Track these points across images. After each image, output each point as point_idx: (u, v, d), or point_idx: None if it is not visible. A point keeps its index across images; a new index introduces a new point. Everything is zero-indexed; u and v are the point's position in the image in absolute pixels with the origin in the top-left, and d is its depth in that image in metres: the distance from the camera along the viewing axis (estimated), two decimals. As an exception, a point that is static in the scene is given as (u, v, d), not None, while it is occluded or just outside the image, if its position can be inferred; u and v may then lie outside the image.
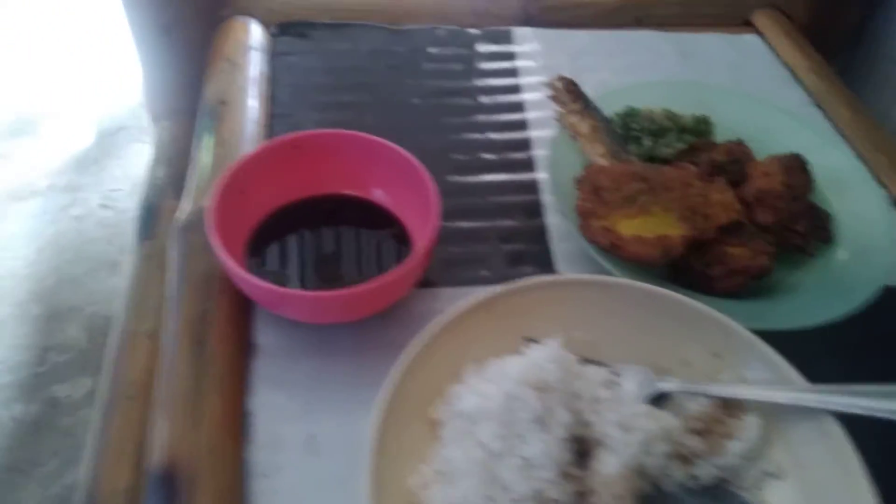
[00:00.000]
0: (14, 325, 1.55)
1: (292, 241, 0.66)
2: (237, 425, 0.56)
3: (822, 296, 0.63)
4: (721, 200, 0.66)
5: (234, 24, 0.87)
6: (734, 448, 0.53)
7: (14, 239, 1.69)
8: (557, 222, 0.72)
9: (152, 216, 0.85)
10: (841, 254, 0.68)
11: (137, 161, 1.84)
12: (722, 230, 0.65)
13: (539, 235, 0.71)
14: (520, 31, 0.91)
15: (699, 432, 0.54)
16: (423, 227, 0.63)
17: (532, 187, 0.75)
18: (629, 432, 0.51)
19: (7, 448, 1.38)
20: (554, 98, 0.76)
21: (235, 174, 0.63)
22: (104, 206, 1.75)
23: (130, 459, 0.64)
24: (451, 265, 0.69)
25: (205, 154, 0.74)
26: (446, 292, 0.66)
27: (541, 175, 0.76)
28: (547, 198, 0.74)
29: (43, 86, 2.02)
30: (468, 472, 0.49)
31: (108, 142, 1.89)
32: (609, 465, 0.50)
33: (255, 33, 0.87)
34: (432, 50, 0.88)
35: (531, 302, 0.59)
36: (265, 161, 0.66)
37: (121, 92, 1.99)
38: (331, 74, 0.85)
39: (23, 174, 1.81)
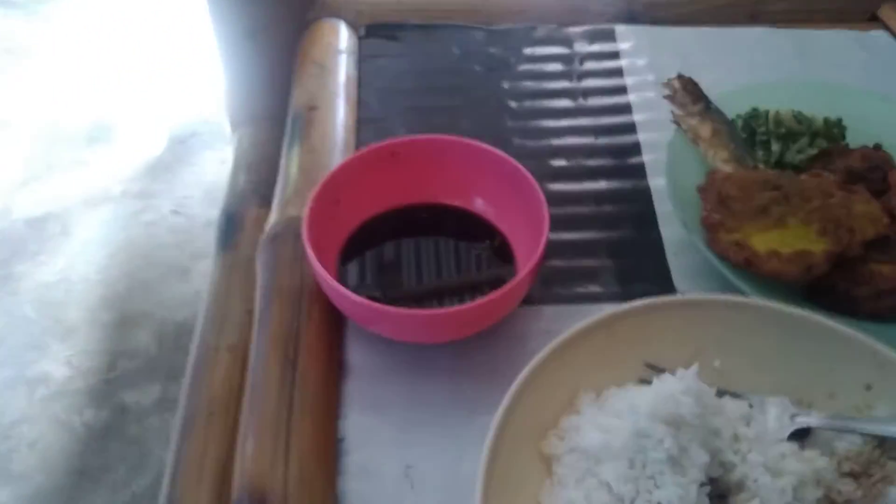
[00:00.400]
0: (86, 330, 1.55)
1: (388, 253, 0.61)
2: (329, 452, 0.51)
3: None
4: (866, 212, 0.58)
5: (323, 27, 0.84)
6: (895, 496, 0.46)
7: (87, 245, 1.70)
8: (674, 234, 0.65)
9: (233, 225, 0.82)
10: None
11: (209, 168, 1.84)
12: (868, 245, 0.57)
13: (653, 249, 0.65)
14: (623, 29, 0.84)
15: (854, 475, 0.47)
16: (527, 239, 0.58)
17: (643, 196, 0.69)
18: (778, 477, 0.45)
19: (78, 453, 1.38)
20: (671, 99, 0.69)
21: (330, 183, 0.59)
22: (175, 213, 1.75)
23: (210, 479, 0.60)
24: (554, 281, 0.63)
25: (294, 161, 0.70)
26: (550, 311, 0.61)
27: (653, 182, 0.70)
28: (661, 208, 0.67)
29: (120, 92, 2.04)
30: (594, 519, 0.43)
31: (181, 148, 1.89)
32: (759, 516, 0.43)
33: (344, 35, 0.83)
34: (529, 50, 0.83)
35: (656, 324, 0.53)
36: (360, 169, 0.61)
37: (194, 98, 2.00)
38: (422, 77, 0.80)
39: (98, 181, 1.83)
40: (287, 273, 0.60)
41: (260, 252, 0.64)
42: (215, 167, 1.83)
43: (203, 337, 0.72)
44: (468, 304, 0.51)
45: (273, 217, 0.66)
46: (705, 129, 0.66)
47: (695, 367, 0.48)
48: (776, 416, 0.49)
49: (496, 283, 0.54)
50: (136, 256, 1.67)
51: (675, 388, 0.46)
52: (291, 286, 0.59)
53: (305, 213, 0.56)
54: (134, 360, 1.52)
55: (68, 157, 1.88)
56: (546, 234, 0.54)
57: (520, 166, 0.59)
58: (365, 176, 0.61)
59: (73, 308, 1.58)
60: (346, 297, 0.52)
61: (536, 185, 0.57)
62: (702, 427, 0.45)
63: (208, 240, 0.83)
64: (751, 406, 0.50)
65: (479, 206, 0.63)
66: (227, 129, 1.01)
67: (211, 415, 0.64)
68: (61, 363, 1.49)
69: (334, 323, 0.58)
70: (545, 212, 0.55)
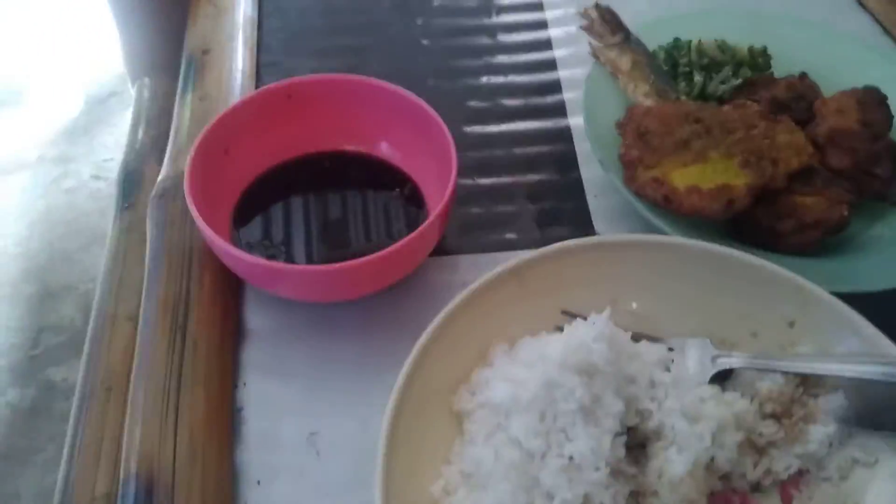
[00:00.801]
0: (6, 306, 1.47)
1: (286, 208, 0.57)
2: (225, 424, 0.47)
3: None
4: (790, 142, 0.56)
5: (217, -37, 0.77)
6: (817, 434, 0.44)
7: (4, 215, 1.60)
8: (595, 175, 0.62)
9: (132, 183, 0.75)
10: (929, 202, 0.58)
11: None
12: (792, 177, 0.55)
13: (573, 191, 0.62)
14: (542, -41, 0.80)
15: (775, 416, 0.45)
16: (438, 185, 0.53)
17: (563, 136, 0.66)
18: (696, 422, 0.42)
19: (3, 436, 1.31)
20: (588, 30, 0.65)
21: (216, 130, 0.54)
22: (96, 178, 1.66)
23: (109, 460, 0.55)
24: (470, 229, 0.59)
25: (186, 110, 0.65)
26: (466, 260, 0.57)
27: (573, 121, 0.66)
28: (582, 147, 0.64)
29: (27, 54, 1.91)
30: (501, 476, 0.40)
31: (99, 109, 1.79)
32: (676, 464, 0.41)
33: (240, -29, 0.77)
34: (442, -16, 0.78)
35: (570, 269, 0.50)
36: (252, 115, 0.56)
37: (108, 57, 1.88)
38: (327, 16, 0.74)
39: (11, 147, 1.72)
40: (176, 232, 0.55)
41: (150, 210, 0.58)
42: (136, 128, 1.74)
43: (101, 306, 0.66)
44: (371, 257, 0.46)
45: (164, 171, 0.60)
46: (625, 62, 0.62)
47: (607, 312, 0.45)
48: (697, 359, 0.47)
49: (408, 234, 0.50)
50: (58, 225, 1.59)
51: (587, 335, 0.43)
52: (181, 247, 0.54)
53: (188, 163, 0.50)
54: (59, 334, 1.45)
55: (-24, 123, 1.76)
56: (455, 175, 0.50)
57: (424, 105, 0.55)
58: (258, 122, 0.56)
59: (-10, 283, 1.50)
60: (237, 257, 0.47)
61: (442, 124, 0.53)
62: (616, 374, 0.43)
63: None
64: (670, 349, 0.48)
65: (385, 151, 0.58)
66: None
67: (108, 391, 0.59)
68: (-21, 342, 1.41)
69: (229, 285, 0.54)
70: (453, 152, 0.51)
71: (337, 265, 0.47)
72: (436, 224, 0.50)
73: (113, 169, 1.70)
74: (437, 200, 0.55)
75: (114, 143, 1.73)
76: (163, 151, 0.76)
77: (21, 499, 1.24)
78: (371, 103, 0.57)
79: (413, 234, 0.48)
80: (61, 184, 1.66)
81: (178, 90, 0.68)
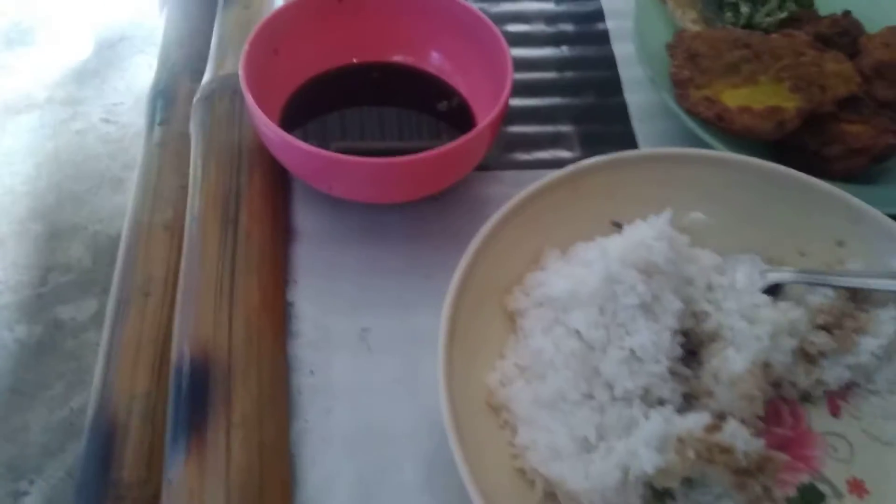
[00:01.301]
0: (14, 243, 1.46)
1: (334, 114, 0.56)
2: (278, 313, 0.47)
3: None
4: (838, 70, 0.56)
5: None
6: (867, 344, 0.45)
7: (11, 154, 1.58)
8: (639, 100, 0.62)
9: (165, 99, 0.75)
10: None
11: (141, 74, 1.73)
12: (839, 105, 0.55)
13: (618, 115, 0.62)
14: None
15: (827, 328, 0.45)
16: (488, 96, 0.53)
17: (607, 62, 0.65)
18: (754, 324, 0.43)
19: (11, 370, 1.31)
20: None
21: (268, 28, 0.53)
22: (106, 121, 1.64)
23: (148, 362, 0.55)
24: (514, 147, 0.59)
25: (229, 17, 0.64)
26: (510, 175, 0.57)
27: (617, 49, 0.66)
28: (625, 73, 0.64)
29: (38, -8, 1.88)
30: (561, 365, 0.41)
31: (109, 53, 1.77)
32: (735, 362, 0.41)
33: None
34: None
35: (623, 180, 0.50)
36: (303, 16, 0.55)
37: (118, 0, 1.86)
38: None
39: (20, 86, 1.70)
40: (224, 131, 0.55)
41: (194, 112, 0.58)
42: (147, 73, 1.71)
43: (135, 216, 0.66)
44: (424, 154, 0.46)
45: (207, 76, 0.60)
46: (674, -13, 0.62)
47: (667, 214, 0.45)
48: (747, 274, 0.47)
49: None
50: (66, 166, 1.57)
51: (648, 234, 0.43)
52: (230, 144, 0.54)
53: (242, 57, 0.50)
54: (67, 273, 1.44)
55: (-15, 61, 1.74)
56: (510, 79, 0.50)
57: (479, 12, 0.54)
58: (309, 25, 0.55)
59: (-1, 220, 1.48)
60: (293, 145, 0.47)
61: (498, 32, 0.53)
62: (675, 274, 0.43)
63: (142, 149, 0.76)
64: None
65: (436, 60, 0.58)
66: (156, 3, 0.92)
67: (146, 296, 0.59)
68: (-13, 276, 1.40)
69: (278, 184, 0.54)
70: (508, 58, 0.51)
71: (390, 159, 0.47)
72: (488, 130, 0.50)
73: (123, 113, 1.69)
74: (485, 114, 0.55)
75: (124, 87, 1.71)
76: (194, 71, 0.76)
77: (30, 431, 1.24)
78: (424, 11, 0.56)
79: (466, 136, 0.48)
80: (70, 125, 1.65)
81: (220, 1, 0.67)
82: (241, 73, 0.49)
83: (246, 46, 0.51)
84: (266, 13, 0.63)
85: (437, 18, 0.56)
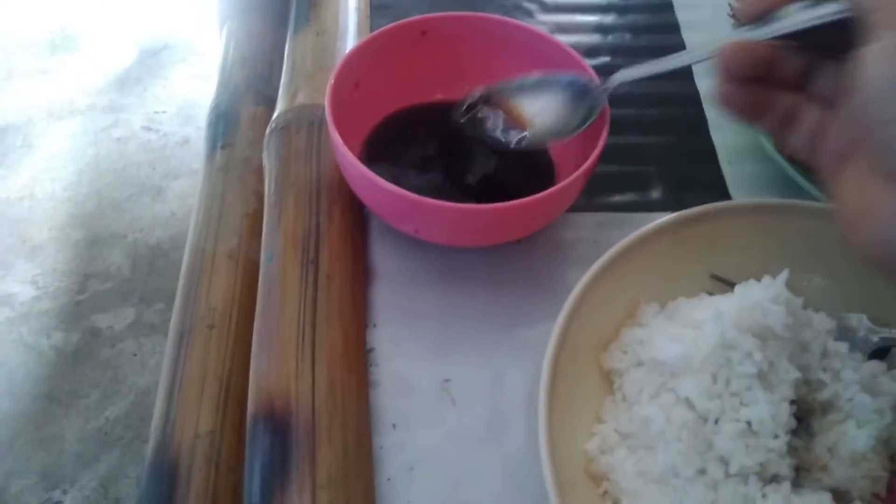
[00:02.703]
0: (53, 249, 1.46)
1: (413, 153, 0.54)
2: (360, 362, 0.45)
3: None
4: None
5: None
6: None
7: (53, 160, 1.59)
8: (727, 141, 0.59)
9: (228, 122, 0.73)
10: None
11: (182, 83, 1.72)
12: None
13: (705, 156, 0.59)
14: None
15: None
16: (574, 141, 0.51)
17: (692, 99, 0.63)
18: (876, 397, 0.40)
19: (46, 377, 1.30)
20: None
21: (351, 62, 0.51)
22: (147, 129, 1.64)
23: (212, 398, 0.53)
24: (597, 188, 0.57)
25: (301, 45, 0.62)
26: (593, 218, 0.55)
27: (701, 85, 0.63)
28: (711, 113, 0.61)
29: (82, 0, 1.89)
30: (673, 437, 0.38)
31: (151, 61, 1.77)
32: (857, 439, 0.38)
33: None
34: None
35: (724, 231, 0.47)
36: (385, 49, 0.53)
37: (163, 8, 1.86)
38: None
39: (62, 93, 1.70)
40: (301, 164, 0.53)
41: (267, 143, 0.56)
42: (189, 83, 1.72)
43: (196, 244, 0.64)
44: (514, 202, 0.44)
45: (280, 106, 0.58)
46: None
47: (785, 274, 0.42)
48: (856, 333, 0.45)
49: (535, 188, 0.47)
50: (106, 174, 1.57)
51: (763, 296, 0.41)
52: (307, 179, 0.52)
53: (328, 91, 0.48)
54: (106, 282, 1.43)
55: (29, 66, 1.74)
56: (607, 127, 0.48)
57: (570, 49, 0.52)
58: (391, 58, 0.53)
59: (38, 226, 1.48)
60: (378, 185, 0.45)
61: (591, 69, 0.50)
62: (792, 340, 0.40)
63: (183, 158, 0.75)
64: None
65: (521, 97, 0.55)
66: (214, 25, 0.91)
67: (210, 328, 0.57)
68: (27, 283, 1.40)
69: (358, 223, 0.52)
70: (605, 103, 0.49)
71: (477, 206, 0.44)
72: (579, 179, 0.47)
73: (164, 122, 1.69)
74: (565, 154, 0.53)
75: (166, 95, 1.70)
76: (257, 93, 0.74)
77: (64, 440, 1.23)
78: (511, 46, 0.54)
79: (558, 186, 0.46)
80: (111, 133, 1.65)
81: (291, 24, 0.65)
82: (327, 108, 0.47)
83: (331, 80, 0.49)
84: (340, 40, 0.62)
85: (523, 54, 0.54)
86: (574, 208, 0.54)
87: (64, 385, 1.30)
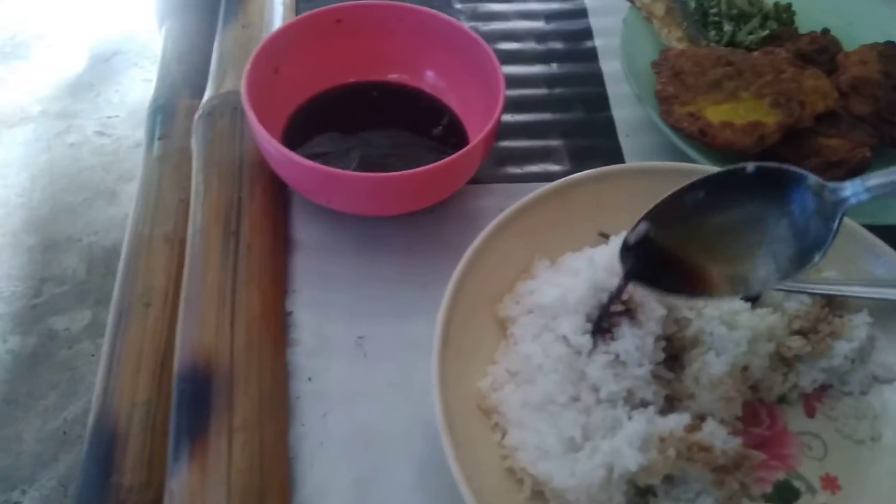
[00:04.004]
0: (8, 255, 1.47)
1: (334, 133, 0.58)
2: (278, 323, 0.49)
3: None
4: (817, 87, 0.58)
5: None
6: (841, 349, 0.47)
7: (6, 166, 1.60)
8: (626, 116, 0.64)
9: (166, 115, 0.76)
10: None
11: (135, 87, 1.74)
12: (818, 120, 0.57)
13: (606, 130, 0.64)
14: None
15: (802, 332, 0.48)
16: (481, 115, 0.55)
17: (595, 79, 0.68)
18: (733, 330, 0.45)
19: (4, 381, 1.32)
20: (625, -26, 0.67)
21: (268, 49, 0.55)
22: (101, 133, 1.66)
23: (150, 370, 0.57)
24: (506, 161, 0.61)
25: (229, 36, 0.66)
26: (501, 189, 0.59)
27: (605, 66, 0.69)
28: (613, 90, 0.66)
29: (33, 6, 1.90)
30: (550, 369, 0.43)
31: (104, 67, 1.78)
32: (715, 366, 0.43)
33: None
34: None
35: (611, 192, 0.52)
36: (302, 36, 0.57)
37: (114, 14, 1.87)
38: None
39: (14, 99, 1.71)
40: (225, 147, 0.57)
41: (195, 129, 0.60)
42: (141, 86, 1.74)
43: (136, 228, 0.67)
44: (418, 169, 0.48)
45: (208, 93, 0.62)
46: (659, 7, 0.64)
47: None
48: (728, 281, 0.49)
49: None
50: (60, 179, 1.58)
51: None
52: (231, 159, 0.56)
53: (244, 75, 0.52)
54: (62, 285, 1.45)
55: (-21, 74, 1.75)
56: (503, 98, 0.52)
57: (474, 35, 0.56)
58: (308, 45, 0.57)
59: (-8, 232, 1.49)
60: (293, 161, 0.49)
61: (492, 53, 0.55)
62: (658, 282, 0.45)
63: (137, 161, 0.77)
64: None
65: (430, 79, 0.60)
66: (155, 23, 0.94)
67: (146, 306, 0.61)
68: (-18, 288, 1.41)
69: (279, 198, 0.55)
70: (501, 78, 0.53)
71: (386, 174, 0.48)
72: (480, 145, 0.52)
73: (117, 126, 1.70)
74: (478, 129, 0.57)
75: (119, 100, 1.72)
76: (194, 87, 0.77)
77: (23, 441, 1.24)
78: (419, 31, 0.58)
79: (460, 152, 0.50)
80: (65, 138, 1.66)
81: (220, 19, 0.69)
82: (243, 90, 0.51)
83: (248, 65, 0.52)
84: (266, 32, 0.66)
85: (432, 38, 0.58)
86: (483, 180, 0.59)
87: (21, 388, 1.31)
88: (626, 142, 0.63)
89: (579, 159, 0.61)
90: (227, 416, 0.43)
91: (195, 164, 0.57)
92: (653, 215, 0.42)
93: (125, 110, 1.71)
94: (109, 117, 1.69)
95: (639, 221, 0.42)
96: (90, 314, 1.41)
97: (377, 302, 0.52)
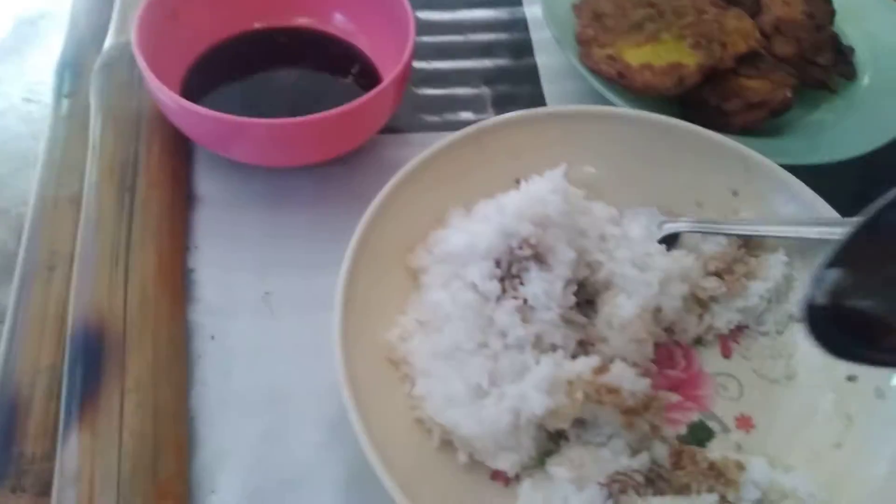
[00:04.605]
0: (-67, 229, 1.40)
1: (237, 82, 0.55)
2: (177, 281, 0.47)
3: (847, 131, 0.56)
4: (738, 28, 0.57)
5: None
6: (756, 289, 0.46)
7: (-73, 138, 1.51)
8: (550, 62, 0.62)
9: (73, 72, 0.72)
10: (865, 89, 0.60)
11: (64, 52, 1.66)
12: (739, 60, 0.56)
13: (529, 76, 0.62)
14: None
15: (718, 274, 0.47)
16: (393, 59, 0.53)
17: (519, 24, 0.66)
18: (645, 271, 0.44)
19: (-67, 360, 1.26)
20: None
21: (164, -9, 0.52)
22: (27, 101, 1.57)
23: (54, 336, 0.54)
24: (425, 109, 0.59)
25: (129, -18, 0.62)
26: (419, 138, 0.57)
27: (529, 11, 0.66)
28: (537, 36, 0.64)
29: (-50, -32, 1.79)
30: (457, 317, 0.41)
31: (28, 30, 1.69)
32: (625, 308, 0.42)
33: None
34: None
35: (526, 137, 0.51)
36: (200, -22, 0.54)
37: (40, -25, 1.78)
38: None
39: (-68, 67, 1.62)
40: (124, 99, 0.54)
41: (93, 80, 0.56)
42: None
43: (41, 190, 0.64)
44: (325, 113, 0.46)
45: (108, 41, 0.58)
46: (580, -52, 0.62)
47: (562, 168, 0.45)
48: (644, 225, 0.48)
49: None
50: (-14, 149, 1.51)
51: (543, 188, 0.44)
52: (129, 112, 0.53)
53: (135, 22, 0.49)
54: (-9, 259, 1.38)
55: None
56: (412, 40, 0.50)
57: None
58: (208, -13, 0.54)
59: (-86, 206, 1.42)
60: (187, 109, 0.46)
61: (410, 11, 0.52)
62: (569, 226, 0.44)
63: None
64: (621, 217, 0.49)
65: (340, 22, 0.57)
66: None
67: (51, 269, 0.58)
68: None
69: (179, 151, 0.53)
70: (410, 18, 0.51)
71: (289, 119, 0.46)
72: (390, 89, 0.49)
73: (45, 92, 1.62)
74: (393, 67, 0.55)
75: (47, 65, 1.64)
76: (102, 42, 0.73)
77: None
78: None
79: (368, 95, 0.48)
80: (-10, 107, 1.58)
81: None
82: (134, 36, 0.48)
83: (140, 10, 0.49)
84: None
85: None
86: (400, 130, 0.57)
87: (-47, 366, 1.26)
88: (549, 89, 0.61)
89: (501, 107, 0.60)
90: (119, 378, 0.41)
91: (92, 119, 0.54)
92: (841, 256, 0.27)
93: (52, 74, 1.63)
94: (36, 83, 1.61)
95: (822, 267, 0.27)
96: (23, 289, 1.35)
97: (284, 256, 0.50)
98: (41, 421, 0.48)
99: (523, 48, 0.64)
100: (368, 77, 0.55)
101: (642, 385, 0.39)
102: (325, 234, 0.50)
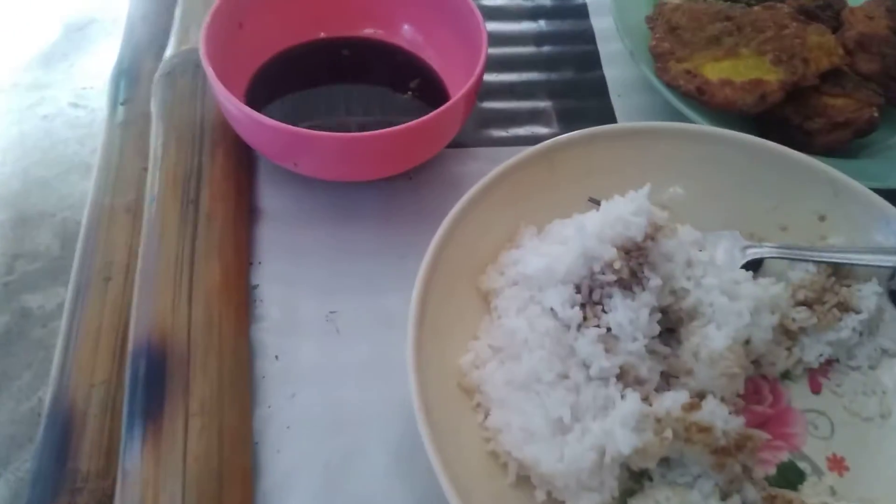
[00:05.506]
0: (-21, 231, 1.42)
1: (302, 92, 0.54)
2: (241, 297, 0.45)
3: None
4: (821, 43, 0.55)
5: None
6: (849, 321, 0.44)
7: (-25, 140, 1.54)
8: (618, 75, 0.60)
9: (129, 79, 0.72)
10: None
11: (111, 56, 1.67)
12: (822, 78, 0.54)
13: (597, 90, 0.60)
14: None
15: (808, 303, 0.44)
16: (461, 71, 0.51)
17: (586, 36, 0.64)
18: (735, 300, 0.41)
19: (-23, 361, 1.27)
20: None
21: (228, 3, 0.51)
22: (75, 105, 1.59)
23: (109, 349, 0.53)
24: (490, 123, 0.57)
25: (191, -10, 0.61)
26: (486, 152, 0.55)
27: (596, 23, 0.64)
28: (605, 48, 0.62)
29: (1, -26, 1.82)
30: (536, 345, 0.39)
31: (78, 36, 1.71)
32: (715, 340, 0.40)
33: None
34: None
35: (601, 155, 0.48)
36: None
37: (90, -20, 1.80)
38: None
39: (-18, 71, 1.64)
40: (186, 108, 0.52)
41: (154, 89, 0.55)
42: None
43: (97, 199, 0.63)
44: (397, 127, 0.44)
45: (169, 51, 0.57)
46: (654, -41, 0.60)
47: (646, 188, 0.43)
48: (727, 250, 0.46)
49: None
50: (32, 152, 1.52)
51: (625, 210, 0.42)
52: (191, 122, 0.52)
53: (203, 31, 0.47)
54: (35, 262, 1.39)
55: (-54, 45, 1.68)
56: (485, 54, 0.48)
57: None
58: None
59: (-38, 208, 1.44)
60: (255, 120, 0.44)
61: (472, 4, 0.51)
62: (653, 250, 0.41)
63: None
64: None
65: (408, 34, 0.56)
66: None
67: (106, 280, 0.57)
68: (-49, 265, 1.36)
69: (243, 162, 0.51)
70: (482, 31, 0.49)
71: (358, 134, 0.45)
72: (461, 104, 0.48)
73: (92, 98, 1.64)
74: (459, 88, 0.53)
75: (94, 71, 1.65)
76: (160, 47, 0.73)
77: (-4, 423, 1.20)
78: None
79: (438, 111, 0.46)
80: (37, 110, 1.59)
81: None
82: (202, 45, 0.47)
83: (207, 18, 0.48)
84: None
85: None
86: (465, 144, 0.55)
87: (-5, 367, 1.27)
88: (618, 102, 0.59)
89: (569, 121, 0.58)
90: (183, 401, 0.40)
91: (154, 128, 0.53)
92: None
93: (100, 81, 1.64)
94: (84, 88, 1.62)
95: None
96: (64, 291, 1.35)
97: (350, 275, 0.48)
98: (96, 438, 0.47)
99: (590, 61, 0.62)
100: (434, 90, 0.54)
101: (736, 424, 0.37)
102: (390, 251, 0.49)
